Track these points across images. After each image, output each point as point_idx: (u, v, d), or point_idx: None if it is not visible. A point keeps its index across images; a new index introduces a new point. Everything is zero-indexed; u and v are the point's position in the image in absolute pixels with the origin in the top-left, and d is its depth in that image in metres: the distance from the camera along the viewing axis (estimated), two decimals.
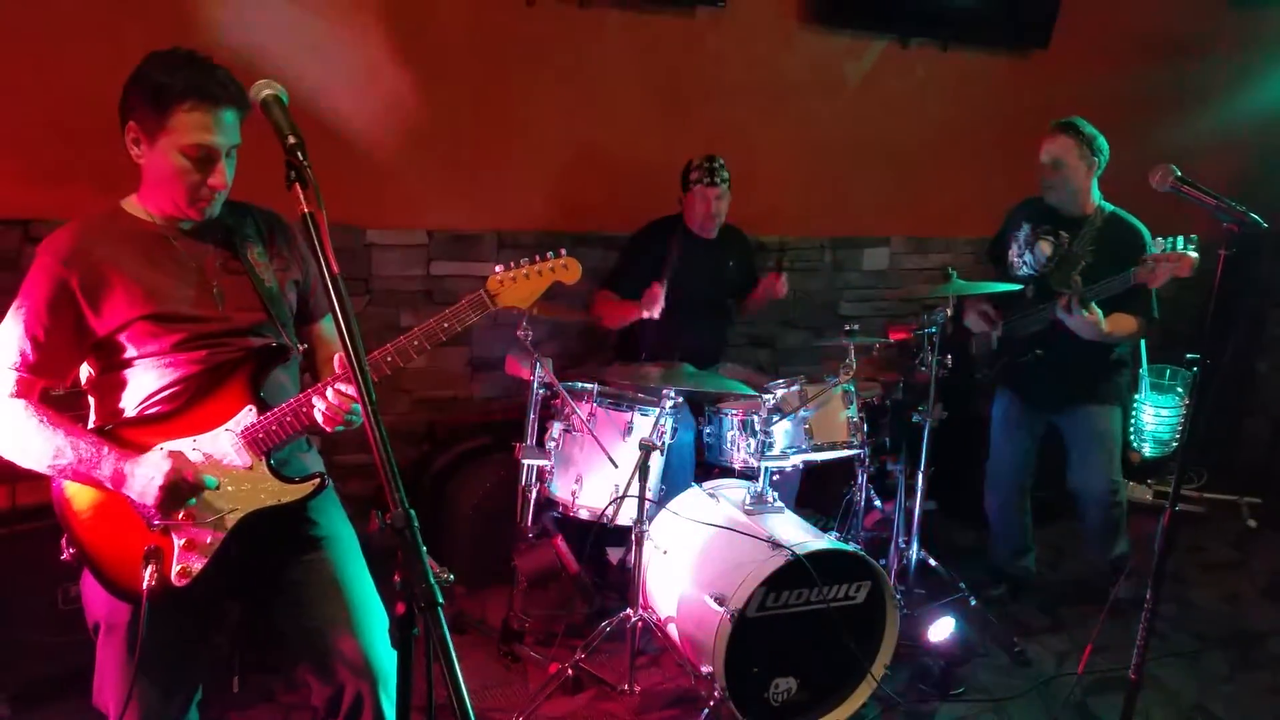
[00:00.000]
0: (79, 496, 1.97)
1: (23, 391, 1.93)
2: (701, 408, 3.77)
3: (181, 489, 1.90)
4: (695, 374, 3.43)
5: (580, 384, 3.46)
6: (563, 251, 2.22)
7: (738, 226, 4.24)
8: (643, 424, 3.35)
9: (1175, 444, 3.05)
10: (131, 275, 1.93)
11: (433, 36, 3.92)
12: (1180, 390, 3.03)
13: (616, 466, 3.28)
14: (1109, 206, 3.57)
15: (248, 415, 1.99)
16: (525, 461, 3.36)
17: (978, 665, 3.50)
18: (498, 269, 2.16)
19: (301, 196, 1.47)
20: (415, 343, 2.04)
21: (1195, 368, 2.73)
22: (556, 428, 3.40)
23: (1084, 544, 3.99)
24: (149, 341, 1.95)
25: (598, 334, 4.13)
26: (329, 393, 1.95)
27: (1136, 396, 3.12)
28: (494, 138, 4.14)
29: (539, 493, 3.43)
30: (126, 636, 1.96)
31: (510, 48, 4.07)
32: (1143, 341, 3.15)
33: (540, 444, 3.42)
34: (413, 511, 1.32)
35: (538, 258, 2.20)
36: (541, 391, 3.40)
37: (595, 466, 3.34)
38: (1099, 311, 3.31)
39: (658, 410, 3.28)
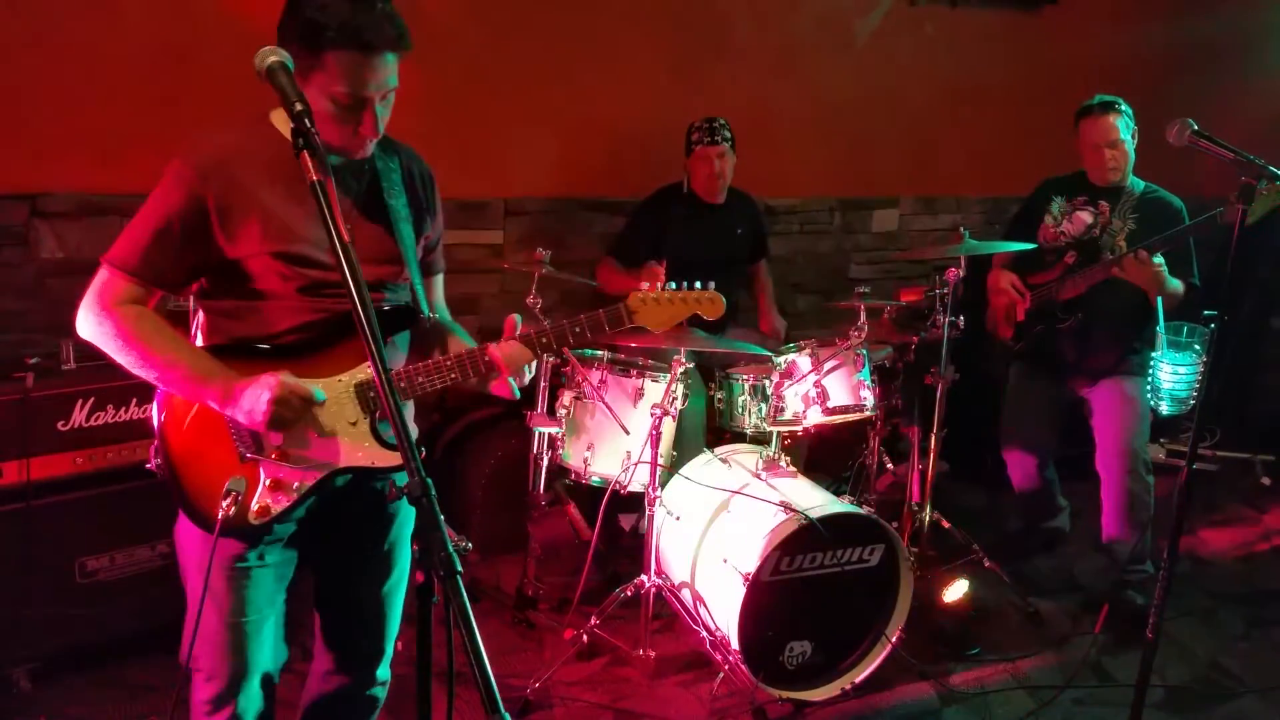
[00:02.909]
0: (178, 412, 1.93)
1: (141, 299, 1.88)
2: (712, 373, 3.75)
3: (291, 403, 1.84)
4: (707, 338, 3.40)
5: (590, 351, 3.44)
6: (710, 285, 2.17)
7: (746, 191, 4.19)
8: (654, 390, 3.33)
9: (1192, 402, 3.02)
10: (268, 207, 1.85)
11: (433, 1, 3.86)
12: (1198, 348, 3.00)
13: (628, 433, 3.26)
14: (1141, 183, 3.62)
15: (364, 372, 1.96)
16: (536, 429, 3.36)
17: (993, 625, 3.51)
18: (644, 286, 2.11)
19: (310, 165, 1.45)
20: (544, 339, 2.09)
21: (1213, 324, 2.69)
22: (567, 395, 3.39)
23: (1105, 532, 3.66)
24: (273, 278, 1.88)
25: (607, 302, 4.09)
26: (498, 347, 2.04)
27: (1154, 354, 3.09)
28: (497, 104, 4.07)
29: (551, 460, 3.43)
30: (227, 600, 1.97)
31: (511, 10, 4.01)
32: (1159, 300, 3.11)
33: (551, 412, 3.41)
34: (429, 480, 1.31)
35: (685, 285, 2.13)
36: (551, 359, 3.38)
37: (607, 433, 3.33)
38: (1163, 261, 3.28)
39: (669, 376, 3.26)
